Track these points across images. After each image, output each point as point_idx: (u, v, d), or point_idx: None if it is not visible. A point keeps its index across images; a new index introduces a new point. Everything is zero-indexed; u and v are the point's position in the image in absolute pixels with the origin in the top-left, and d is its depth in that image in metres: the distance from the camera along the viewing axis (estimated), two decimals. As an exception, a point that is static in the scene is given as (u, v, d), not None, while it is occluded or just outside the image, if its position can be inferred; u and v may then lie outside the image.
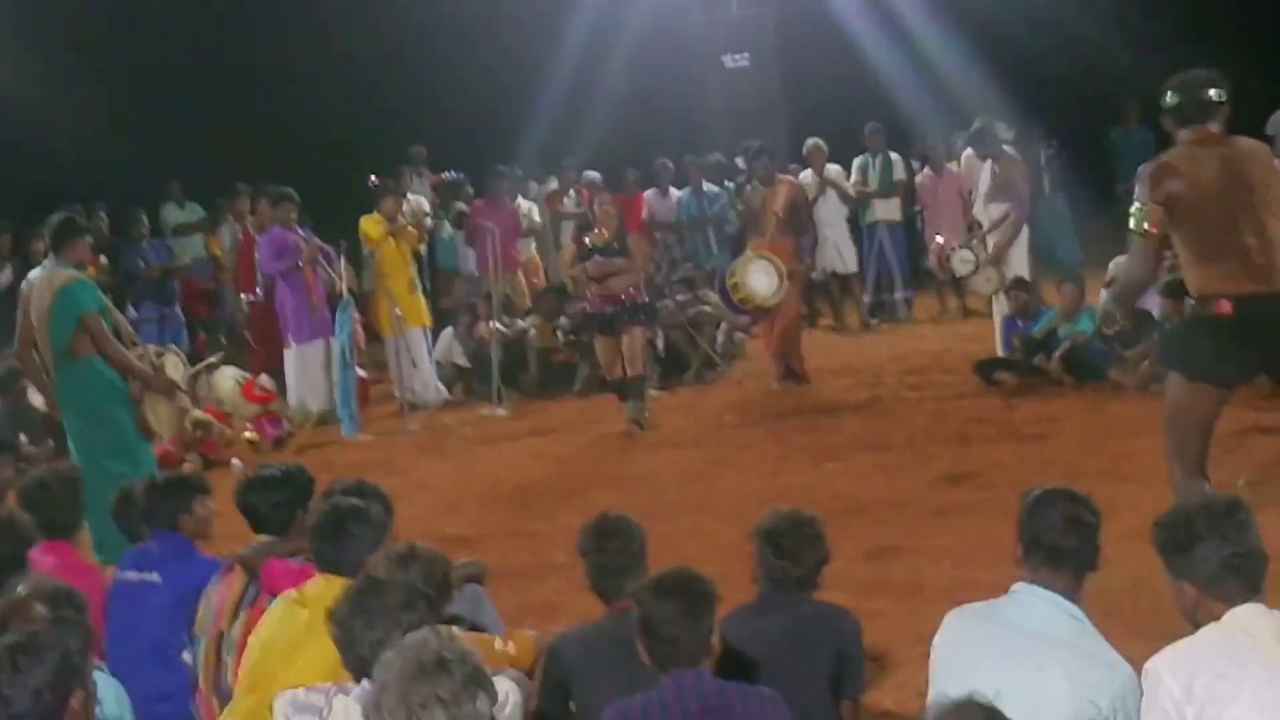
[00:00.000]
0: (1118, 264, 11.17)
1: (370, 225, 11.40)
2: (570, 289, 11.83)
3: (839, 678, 3.90)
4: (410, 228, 11.60)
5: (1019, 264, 10.71)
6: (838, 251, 13.76)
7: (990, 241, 10.58)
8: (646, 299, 10.14)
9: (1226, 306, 5.43)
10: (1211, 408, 5.57)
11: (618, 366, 9.90)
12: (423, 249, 12.46)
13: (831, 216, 13.65)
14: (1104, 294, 10.46)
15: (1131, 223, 5.57)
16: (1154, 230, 5.50)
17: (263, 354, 11.97)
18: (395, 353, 11.20)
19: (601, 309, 9.89)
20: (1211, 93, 5.62)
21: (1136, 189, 5.60)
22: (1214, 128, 5.58)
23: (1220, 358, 5.50)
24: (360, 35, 17.19)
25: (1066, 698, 3.33)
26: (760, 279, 10.26)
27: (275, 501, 4.77)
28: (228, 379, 10.65)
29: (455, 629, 3.47)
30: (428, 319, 11.77)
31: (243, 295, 12.86)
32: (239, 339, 12.59)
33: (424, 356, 11.54)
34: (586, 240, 9.98)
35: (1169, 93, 5.68)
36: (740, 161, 13.60)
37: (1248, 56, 17.27)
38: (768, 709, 3.39)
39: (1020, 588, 3.55)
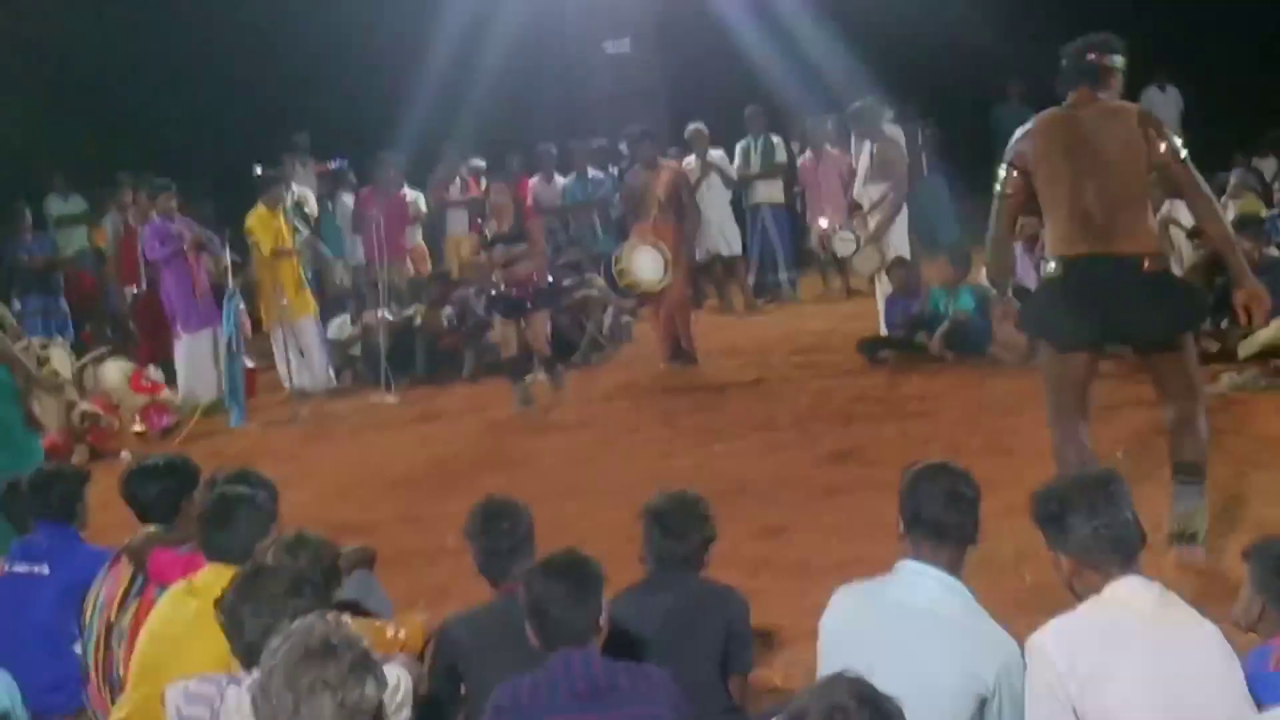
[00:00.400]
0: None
1: (256, 216, 11.29)
2: (455, 275, 11.80)
3: (727, 655, 3.94)
4: (293, 219, 11.51)
5: (899, 243, 10.88)
6: (722, 234, 13.85)
7: (871, 221, 10.74)
8: (550, 283, 10.20)
9: (1060, 270, 5.47)
10: (1079, 371, 5.52)
11: (514, 346, 9.93)
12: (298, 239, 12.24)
13: (715, 200, 13.73)
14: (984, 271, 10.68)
15: (996, 186, 5.68)
16: (1008, 192, 5.59)
17: (147, 345, 11.77)
18: (282, 342, 11.08)
19: (508, 293, 9.85)
20: (1091, 56, 5.60)
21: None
22: (1095, 91, 5.56)
23: (1066, 320, 5.47)
24: (241, 22, 16.87)
25: (952, 673, 3.39)
26: (646, 265, 10.31)
27: (160, 490, 4.73)
28: (115, 370, 10.55)
29: (345, 615, 3.45)
30: (314, 308, 11.66)
31: (126, 288, 12.58)
32: (125, 330, 12.37)
33: (311, 346, 11.43)
34: (486, 232, 9.94)
35: (1064, 56, 5.69)
36: (623, 147, 13.64)
37: (1128, 35, 17.72)
38: (656, 687, 3.42)
39: (905, 564, 3.59)
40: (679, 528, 4.08)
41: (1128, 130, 5.46)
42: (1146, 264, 5.37)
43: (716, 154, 13.84)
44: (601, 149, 14.18)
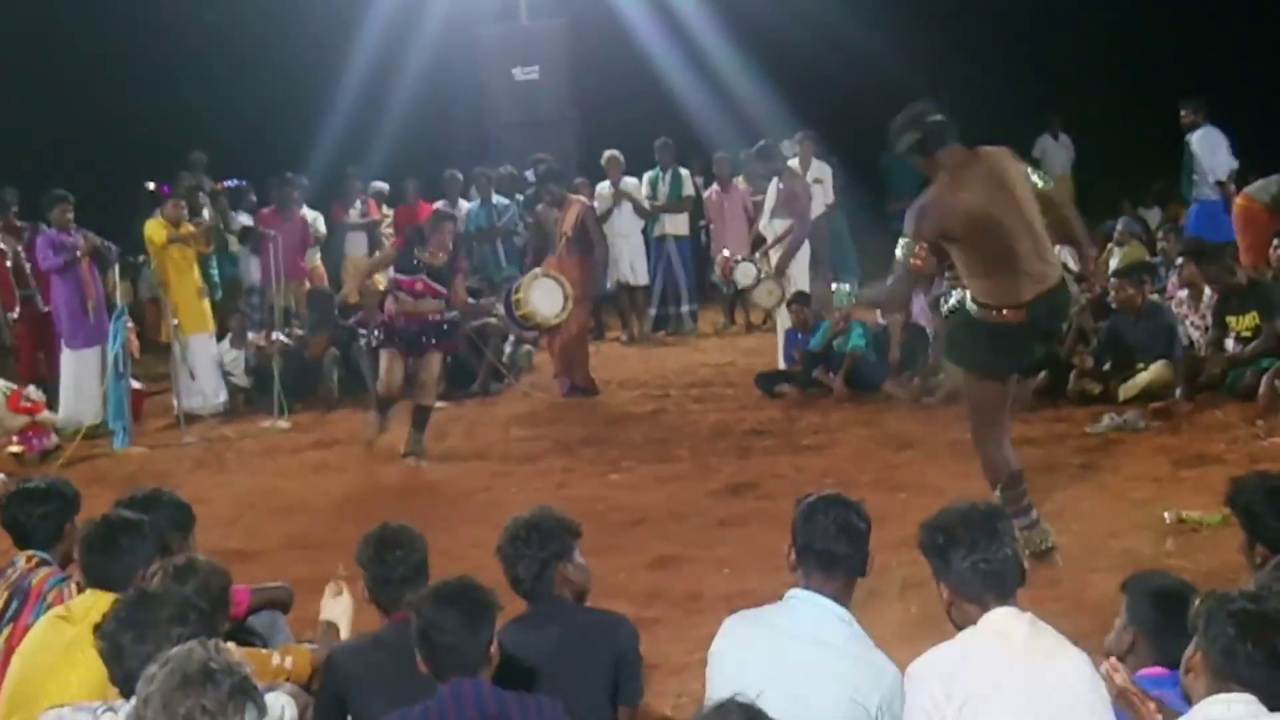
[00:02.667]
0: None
1: (154, 229, 11.13)
2: (353, 299, 11.67)
3: (616, 685, 3.93)
4: (198, 234, 11.32)
5: (800, 278, 11.01)
6: (630, 264, 13.92)
7: (773, 256, 10.85)
8: (450, 319, 9.60)
9: (1019, 315, 5.79)
10: (1005, 396, 6.10)
11: (396, 384, 9.43)
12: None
13: (626, 228, 13.82)
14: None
15: (899, 253, 5.82)
16: (918, 264, 5.77)
17: (28, 364, 11.47)
18: (176, 360, 10.91)
19: (406, 326, 9.30)
20: (937, 116, 5.92)
21: (906, 223, 5.84)
22: (958, 145, 5.84)
23: (1010, 357, 6.00)
24: (145, 38, 16.64)
25: (837, 699, 3.43)
26: (544, 299, 10.27)
27: (41, 515, 4.58)
28: (-9, 390, 10.19)
29: (229, 643, 3.39)
30: (211, 325, 11.48)
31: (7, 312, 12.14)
32: (3, 347, 12.03)
33: (204, 366, 11.25)
34: (418, 254, 9.27)
35: (905, 134, 5.93)
36: (530, 174, 13.65)
37: (1023, 84, 18.19)
38: (546, 717, 3.40)
39: (794, 593, 3.64)
40: (512, 555, 4.02)
41: (1015, 169, 5.87)
42: (1062, 282, 5.90)
43: (631, 182, 13.92)
44: (509, 175, 14.18)
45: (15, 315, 11.61)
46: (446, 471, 9.02)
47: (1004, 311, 5.79)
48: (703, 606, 5.90)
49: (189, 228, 11.26)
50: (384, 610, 4.11)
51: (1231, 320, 9.30)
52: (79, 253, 10.75)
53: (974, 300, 5.94)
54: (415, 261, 9.29)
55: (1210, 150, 12.08)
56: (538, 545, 3.99)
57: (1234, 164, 12.15)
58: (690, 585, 6.36)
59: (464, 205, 14.09)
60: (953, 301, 5.96)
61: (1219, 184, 12.08)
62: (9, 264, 11.42)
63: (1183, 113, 12.33)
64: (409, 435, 9.36)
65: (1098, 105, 17.89)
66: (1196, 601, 3.17)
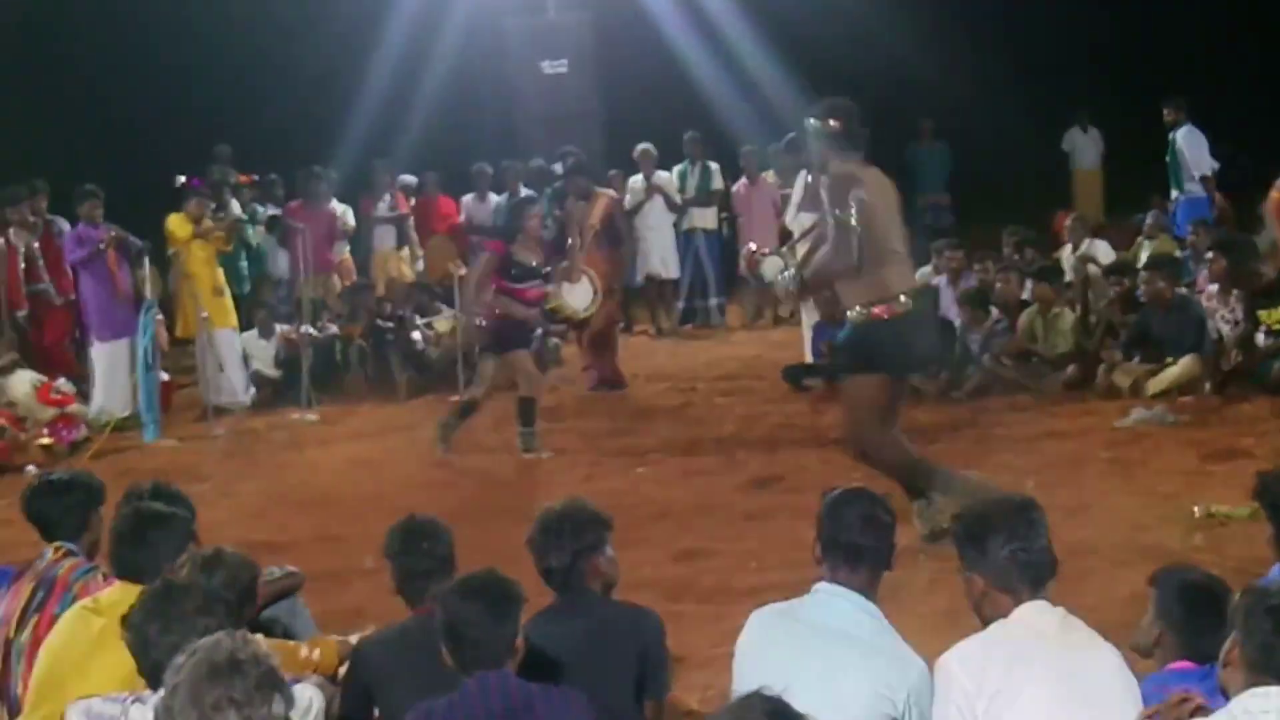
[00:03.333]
0: (921, 274, 11.58)
1: (176, 225, 11.15)
2: (380, 292, 11.71)
3: (643, 678, 3.93)
4: (219, 231, 11.35)
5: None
6: (661, 258, 13.90)
7: (800, 249, 10.80)
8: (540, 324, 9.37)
9: (892, 309, 6.18)
10: (900, 391, 6.49)
11: (486, 387, 9.22)
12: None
13: (658, 222, 13.81)
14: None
15: (852, 221, 6.18)
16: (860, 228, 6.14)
17: (49, 358, 11.46)
18: (202, 355, 10.94)
19: (501, 327, 9.07)
20: (863, 129, 6.48)
21: (850, 196, 6.21)
22: (849, 150, 6.41)
23: (920, 348, 6.38)
24: (174, 32, 16.73)
25: (863, 693, 3.43)
26: (575, 293, 10.29)
27: (65, 507, 4.59)
28: (24, 382, 10.25)
29: (257, 635, 3.41)
30: (233, 320, 11.51)
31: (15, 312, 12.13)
32: (28, 341, 12.06)
33: (229, 359, 11.28)
34: (516, 254, 9.01)
35: (830, 119, 6.43)
36: (558, 168, 13.65)
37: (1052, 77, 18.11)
38: (572, 710, 3.41)
39: (820, 587, 3.64)
40: (545, 545, 4.01)
41: (894, 191, 6.50)
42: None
43: (663, 176, 13.90)
44: (539, 169, 14.19)
45: (24, 313, 11.61)
46: (473, 464, 9.03)
47: (880, 307, 6.17)
48: (729, 599, 5.89)
49: (209, 224, 11.28)
50: (410, 602, 4.12)
51: (1262, 314, 9.24)
52: (102, 245, 10.78)
53: (858, 307, 6.27)
54: (519, 261, 9.03)
55: (1194, 147, 12.56)
56: (571, 537, 3.99)
57: (1215, 164, 12.70)
58: (717, 578, 6.36)
59: (492, 199, 14.11)
60: (902, 301, 6.21)
61: (1203, 179, 12.59)
62: (21, 258, 11.43)
63: (1165, 111, 12.90)
64: (519, 433, 9.13)
65: (1127, 99, 17.78)
66: (1236, 596, 3.16)
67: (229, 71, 16.65)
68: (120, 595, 3.89)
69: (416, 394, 11.33)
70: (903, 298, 6.22)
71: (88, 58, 16.49)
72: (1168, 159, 13.07)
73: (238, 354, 11.44)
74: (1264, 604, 3.04)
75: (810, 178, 10.98)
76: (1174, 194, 13.06)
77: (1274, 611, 3.01)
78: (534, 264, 9.12)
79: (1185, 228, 12.32)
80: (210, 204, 11.60)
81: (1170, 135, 12.86)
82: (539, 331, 11.96)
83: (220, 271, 11.39)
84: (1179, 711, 3.15)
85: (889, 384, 6.31)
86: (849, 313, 6.35)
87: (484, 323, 9.14)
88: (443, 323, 11.97)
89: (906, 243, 6.46)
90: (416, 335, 11.89)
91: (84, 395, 10.76)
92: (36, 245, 11.45)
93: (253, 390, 11.47)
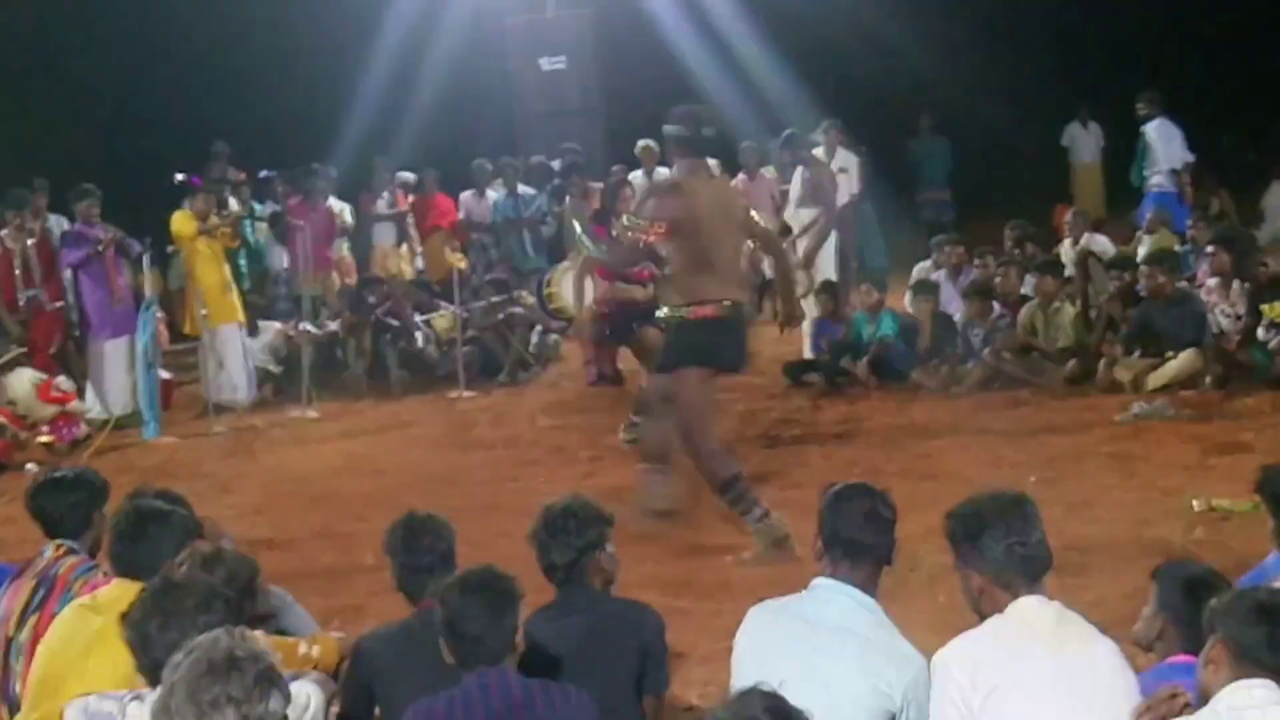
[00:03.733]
0: (921, 268, 11.59)
1: (181, 222, 11.13)
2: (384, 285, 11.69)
3: (642, 674, 3.93)
4: (225, 227, 11.34)
5: (827, 268, 10.97)
6: None
7: (800, 246, 10.81)
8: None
9: (715, 310, 6.45)
10: (713, 393, 6.91)
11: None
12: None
13: None
14: (908, 295, 10.86)
15: (626, 222, 6.65)
16: (650, 240, 6.46)
17: (47, 360, 11.42)
18: (204, 352, 10.95)
19: (616, 314, 9.03)
20: (710, 131, 6.69)
21: (645, 204, 6.65)
22: (709, 161, 6.91)
23: (722, 348, 6.59)
24: (175, 29, 16.73)
25: (862, 688, 3.43)
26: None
27: (70, 503, 4.59)
28: (24, 380, 10.24)
29: (256, 631, 3.40)
30: (240, 316, 11.48)
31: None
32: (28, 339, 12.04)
33: (231, 356, 11.26)
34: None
35: (679, 124, 6.60)
36: (557, 165, 13.65)
37: (1053, 72, 18.11)
38: (572, 706, 3.41)
39: (820, 582, 3.64)
40: (549, 541, 4.01)
41: (737, 202, 6.90)
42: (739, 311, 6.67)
43: (664, 173, 13.86)
44: (540, 165, 14.16)
45: (19, 316, 11.56)
46: (474, 460, 9.03)
47: (700, 308, 6.44)
48: (730, 596, 5.89)
49: (215, 220, 11.27)
50: (411, 599, 4.12)
51: (1265, 308, 9.24)
52: (100, 246, 10.75)
53: (672, 306, 6.58)
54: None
55: (1166, 140, 12.64)
56: (575, 533, 3.99)
57: (1189, 156, 12.76)
58: (717, 575, 6.36)
59: (491, 195, 14.11)
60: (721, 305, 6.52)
61: (1174, 173, 12.67)
62: (16, 263, 11.38)
63: (1138, 104, 13.03)
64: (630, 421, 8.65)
65: (1127, 93, 17.79)
66: (1212, 601, 3.17)
67: (228, 69, 16.65)
68: (119, 593, 3.89)
69: (413, 391, 11.32)
70: (726, 302, 6.48)
71: (86, 57, 16.48)
72: (1137, 151, 13.23)
73: (239, 351, 11.41)
74: (1246, 598, 3.08)
75: (808, 173, 11.00)
76: (1149, 186, 13.10)
77: (1256, 605, 3.05)
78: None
79: (1145, 219, 12.49)
80: (214, 202, 11.59)
81: (1141, 128, 13.02)
82: (539, 328, 11.99)
83: (227, 268, 11.38)
84: (1170, 706, 3.16)
85: (705, 377, 6.60)
86: (661, 313, 6.77)
87: (601, 317, 9.01)
88: (442, 320, 11.97)
89: (736, 257, 6.81)
90: (418, 335, 11.88)
91: (84, 393, 10.75)
92: (32, 247, 11.37)
93: (254, 390, 11.43)
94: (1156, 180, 12.81)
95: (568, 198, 11.60)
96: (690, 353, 6.51)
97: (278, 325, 12.02)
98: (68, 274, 11.22)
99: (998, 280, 10.58)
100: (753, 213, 6.99)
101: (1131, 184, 13.53)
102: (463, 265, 11.20)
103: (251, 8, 16.18)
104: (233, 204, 12.76)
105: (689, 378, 6.49)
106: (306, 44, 16.55)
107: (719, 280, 6.48)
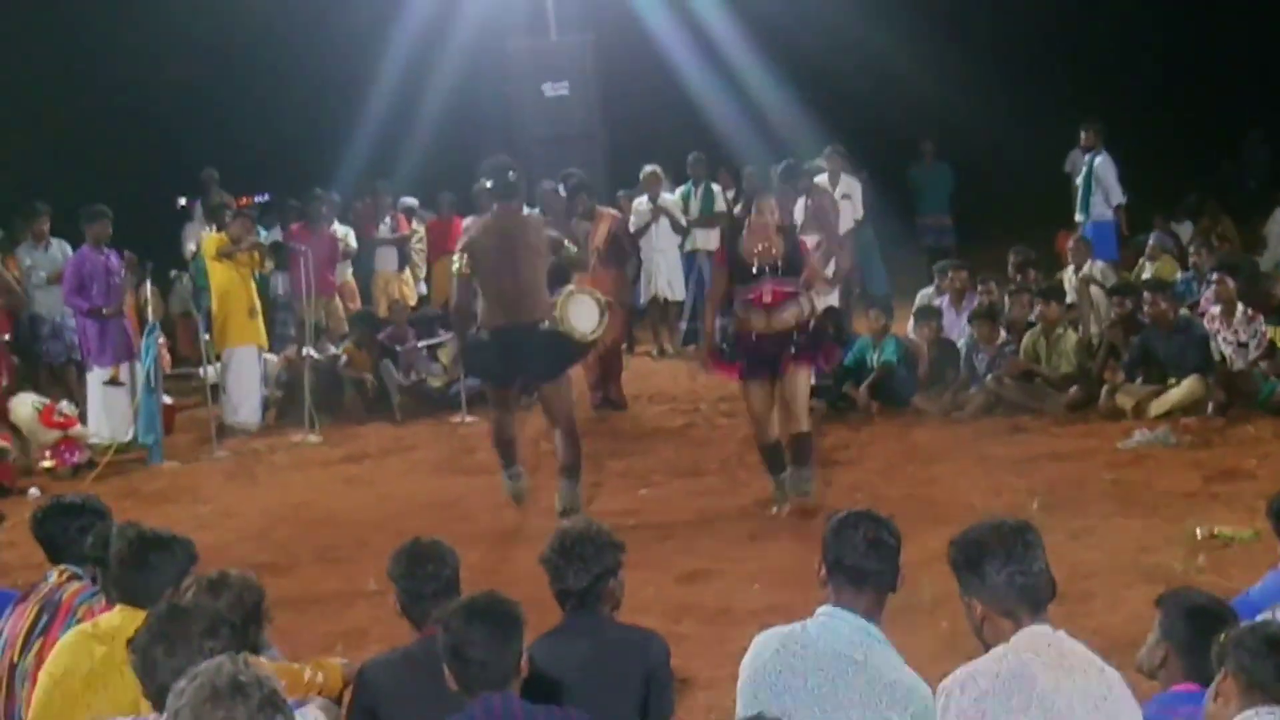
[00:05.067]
0: (924, 294, 11.61)
1: (211, 244, 11.26)
2: (383, 313, 11.70)
3: (646, 701, 3.92)
4: (254, 253, 11.39)
5: (828, 293, 10.97)
6: (668, 280, 13.91)
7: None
8: (810, 321, 7.73)
9: (486, 333, 7.66)
10: (505, 398, 8.00)
11: (771, 422, 7.70)
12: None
13: (664, 244, 13.82)
14: (910, 321, 10.88)
15: (454, 267, 7.82)
16: (465, 272, 7.68)
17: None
18: (220, 375, 11.02)
19: (759, 346, 7.57)
20: (511, 175, 7.78)
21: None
22: (511, 203, 7.75)
23: (494, 366, 7.78)
24: (178, 55, 16.81)
25: (867, 717, 3.41)
26: (580, 315, 10.26)
27: (78, 528, 4.60)
28: (26, 404, 10.25)
29: (260, 657, 3.40)
30: (262, 339, 11.52)
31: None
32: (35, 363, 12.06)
33: (242, 378, 11.27)
34: (749, 256, 7.56)
35: (485, 177, 7.95)
36: (560, 189, 13.66)
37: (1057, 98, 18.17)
38: (577, 733, 3.40)
39: (824, 609, 3.62)
40: (564, 566, 3.99)
41: (534, 233, 7.74)
42: (543, 325, 7.64)
43: (669, 197, 13.91)
44: (550, 192, 14.19)
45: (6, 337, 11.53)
46: (476, 486, 9.03)
47: (483, 330, 7.68)
48: (733, 621, 5.89)
49: (250, 240, 11.35)
50: (415, 625, 4.11)
51: (1275, 330, 9.26)
52: (105, 310, 10.75)
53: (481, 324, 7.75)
54: (750, 264, 7.57)
55: (1109, 173, 12.75)
56: (592, 559, 3.98)
57: (1123, 197, 12.87)
58: (720, 600, 6.36)
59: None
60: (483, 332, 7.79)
61: (1117, 207, 12.79)
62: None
63: (1083, 135, 13.15)
64: (789, 474, 7.73)
65: (1131, 118, 17.86)
66: (1222, 636, 3.18)
67: (231, 94, 16.73)
68: (121, 620, 3.89)
69: (415, 416, 11.32)
70: (497, 324, 7.62)
71: (90, 82, 16.54)
72: (1078, 182, 13.30)
73: (256, 374, 11.42)
74: (1256, 631, 3.11)
75: (810, 201, 11.03)
76: (1079, 218, 13.08)
77: (1266, 637, 3.08)
78: (759, 262, 7.57)
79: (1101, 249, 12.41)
80: (251, 226, 11.67)
81: (1087, 158, 13.08)
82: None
83: (254, 290, 11.41)
84: None
85: (490, 387, 8.13)
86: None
87: (729, 345, 7.82)
88: (446, 351, 11.94)
89: (509, 289, 7.63)
90: (418, 366, 11.87)
91: (85, 418, 10.73)
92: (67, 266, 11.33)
93: (260, 415, 11.44)
94: (1100, 212, 12.83)
95: (573, 219, 11.59)
96: (474, 369, 8.31)
97: (276, 354, 12.03)
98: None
99: (1008, 308, 10.60)
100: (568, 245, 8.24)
101: (1075, 218, 13.51)
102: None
103: (252, 36, 16.26)
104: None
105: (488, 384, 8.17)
106: (308, 69, 16.62)
107: (487, 309, 7.65)
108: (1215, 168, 12.83)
